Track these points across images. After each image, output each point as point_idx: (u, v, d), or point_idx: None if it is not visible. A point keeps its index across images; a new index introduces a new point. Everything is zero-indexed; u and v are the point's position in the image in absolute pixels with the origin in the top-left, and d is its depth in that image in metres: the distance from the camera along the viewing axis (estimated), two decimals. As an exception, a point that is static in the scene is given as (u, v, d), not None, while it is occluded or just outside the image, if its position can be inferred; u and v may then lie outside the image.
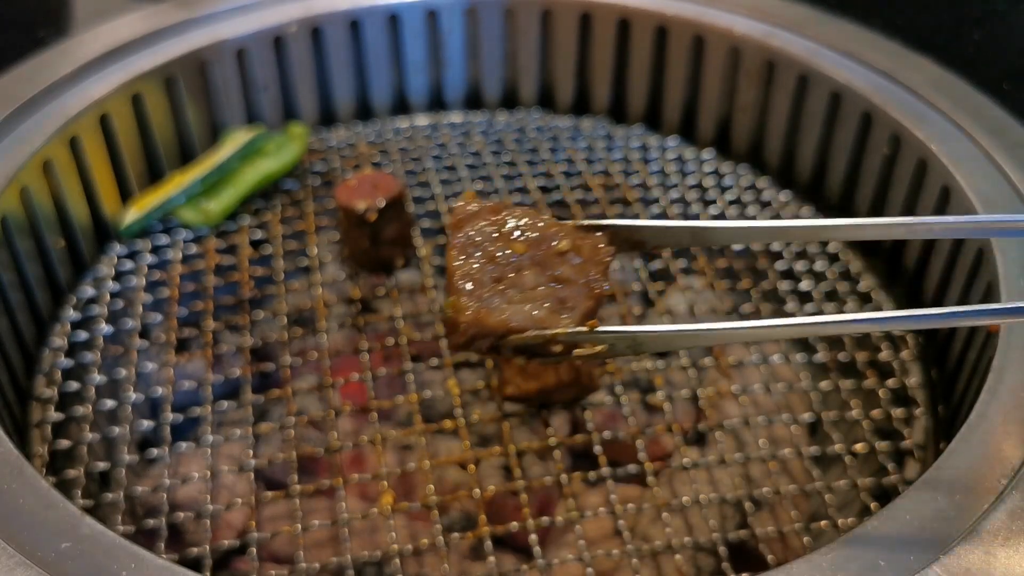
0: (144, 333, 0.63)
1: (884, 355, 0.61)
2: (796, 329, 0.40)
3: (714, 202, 0.73)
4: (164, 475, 0.54)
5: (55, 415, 0.57)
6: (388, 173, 0.68)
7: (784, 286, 0.65)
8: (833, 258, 0.69)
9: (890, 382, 0.59)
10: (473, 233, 0.40)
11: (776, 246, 0.69)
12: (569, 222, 0.41)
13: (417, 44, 0.82)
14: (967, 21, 0.92)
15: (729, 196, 0.74)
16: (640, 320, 0.66)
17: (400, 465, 0.55)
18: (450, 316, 0.39)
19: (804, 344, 0.63)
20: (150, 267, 0.67)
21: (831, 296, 0.66)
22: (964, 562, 0.40)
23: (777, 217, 0.73)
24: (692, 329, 0.40)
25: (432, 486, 0.52)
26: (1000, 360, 0.50)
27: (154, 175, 0.75)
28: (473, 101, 0.86)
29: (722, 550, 0.49)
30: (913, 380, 0.60)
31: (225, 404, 0.60)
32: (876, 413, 0.57)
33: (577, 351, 0.39)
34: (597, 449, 0.54)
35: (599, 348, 0.39)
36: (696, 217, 0.72)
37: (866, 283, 0.67)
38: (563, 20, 0.81)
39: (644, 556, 0.50)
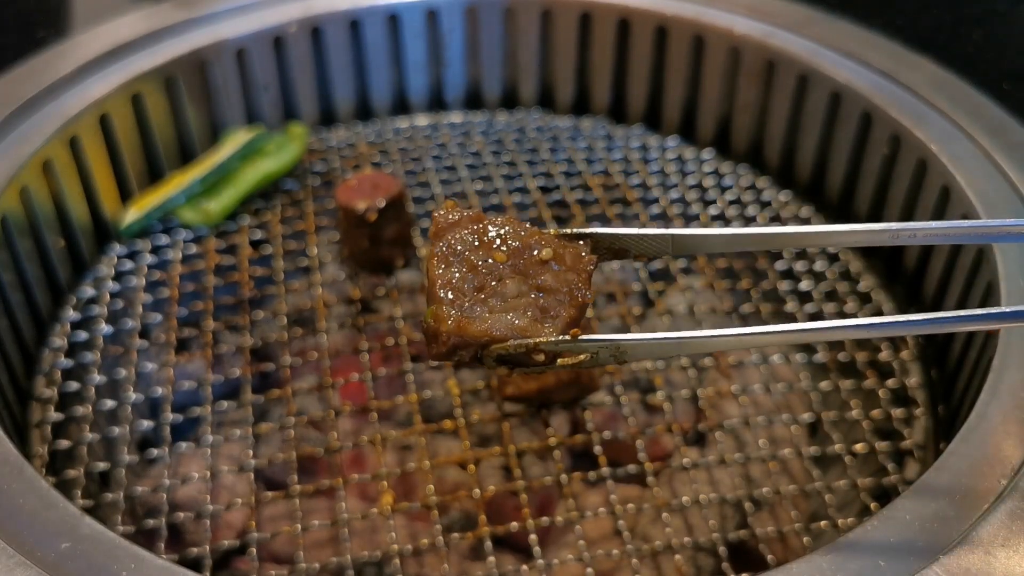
0: (144, 333, 0.63)
1: (884, 355, 0.61)
2: (787, 336, 0.40)
3: (714, 202, 0.73)
4: (164, 475, 0.54)
5: (55, 415, 0.57)
6: (388, 173, 0.68)
7: (784, 286, 0.66)
8: (833, 258, 0.69)
9: (890, 382, 0.59)
10: (454, 242, 0.40)
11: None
12: (551, 231, 0.41)
13: (417, 44, 0.82)
14: (967, 21, 0.92)
15: (729, 196, 0.74)
16: (640, 320, 0.66)
17: (400, 465, 0.55)
18: (431, 325, 0.39)
19: (804, 344, 0.63)
20: (150, 267, 0.67)
21: (831, 296, 0.66)
22: (964, 562, 0.40)
23: (777, 217, 0.73)
24: (676, 337, 0.39)
25: (432, 486, 0.52)
26: (1000, 360, 0.50)
27: (154, 175, 0.75)
28: (473, 101, 0.86)
29: (722, 550, 0.49)
30: (913, 380, 0.60)
31: (225, 404, 0.60)
32: (876, 413, 0.57)
33: (560, 360, 0.39)
34: (597, 449, 0.54)
35: (582, 357, 0.39)
36: (696, 218, 0.72)
37: (866, 283, 0.67)
38: (563, 20, 0.81)
39: (644, 556, 0.50)
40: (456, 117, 0.85)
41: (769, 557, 0.50)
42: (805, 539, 0.50)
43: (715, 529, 0.51)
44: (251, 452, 0.55)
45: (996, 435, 0.46)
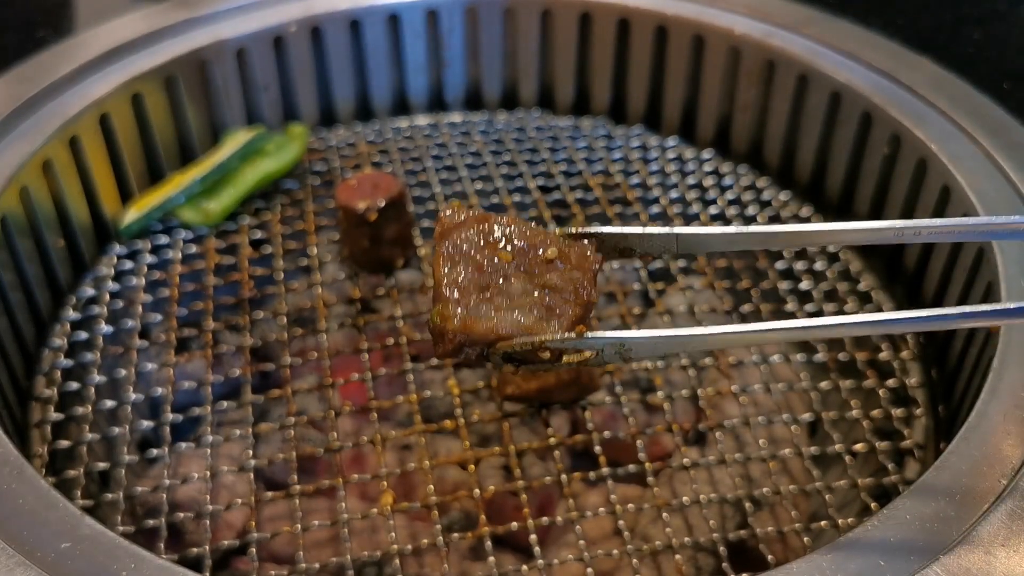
0: (144, 333, 0.63)
1: (884, 355, 0.61)
2: (789, 333, 0.40)
3: (714, 202, 0.73)
4: (164, 475, 0.54)
5: (55, 415, 0.57)
6: (388, 173, 0.68)
7: (784, 286, 0.65)
8: (833, 258, 0.69)
9: (890, 382, 0.59)
10: (460, 242, 0.40)
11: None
12: (556, 230, 0.41)
13: (417, 44, 0.82)
14: (967, 21, 0.92)
15: (729, 196, 0.74)
16: (640, 319, 0.66)
17: (400, 465, 0.55)
18: (437, 324, 0.39)
19: (804, 344, 0.63)
20: (150, 267, 0.67)
21: (831, 296, 0.66)
22: (964, 562, 0.40)
23: (777, 217, 0.73)
24: (682, 335, 0.39)
25: (432, 486, 0.52)
26: (1000, 360, 0.50)
27: (154, 175, 0.75)
28: (473, 101, 0.86)
29: (722, 550, 0.49)
30: (913, 380, 0.60)
31: (225, 404, 0.60)
32: (876, 413, 0.57)
33: (566, 358, 0.39)
34: (597, 449, 0.54)
35: (587, 355, 0.39)
36: (696, 217, 0.72)
37: (866, 283, 0.67)
38: (563, 20, 0.81)
39: (644, 556, 0.50)
40: (456, 117, 0.85)
41: (769, 557, 0.50)
42: (805, 539, 0.50)
43: (715, 529, 0.51)
44: (251, 452, 0.55)
45: (996, 435, 0.46)
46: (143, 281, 0.66)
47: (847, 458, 0.54)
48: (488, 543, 0.49)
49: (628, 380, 0.65)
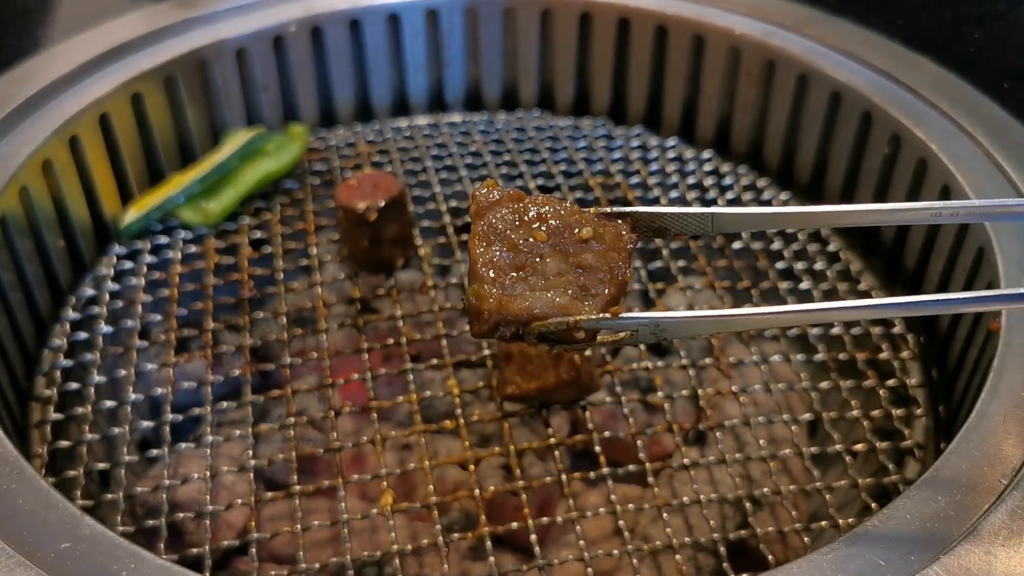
0: (144, 333, 0.63)
1: (884, 355, 0.61)
2: (818, 315, 0.40)
3: (714, 202, 0.73)
4: (164, 475, 0.54)
5: (55, 415, 0.57)
6: (388, 173, 0.68)
7: (784, 286, 0.65)
8: (833, 258, 0.69)
9: (890, 382, 0.59)
10: (495, 221, 0.40)
11: (776, 246, 0.69)
12: (591, 209, 0.41)
13: (417, 44, 0.82)
14: (967, 21, 0.92)
15: (729, 196, 0.74)
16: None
17: (400, 465, 0.55)
18: (473, 304, 0.39)
19: (804, 344, 0.63)
20: (150, 267, 0.67)
21: (830, 296, 0.66)
22: (964, 562, 0.40)
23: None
24: (716, 315, 0.39)
25: (432, 486, 0.52)
26: (1000, 360, 0.50)
27: (154, 175, 0.75)
28: (473, 101, 0.86)
29: (722, 550, 0.49)
30: (913, 380, 0.60)
31: (225, 404, 0.60)
32: (876, 413, 0.57)
33: (600, 337, 0.39)
34: (597, 449, 0.54)
35: (622, 335, 0.39)
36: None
37: (866, 283, 0.67)
38: (563, 20, 0.81)
39: (644, 556, 0.50)
40: (456, 117, 0.85)
41: (769, 557, 0.50)
42: (805, 539, 0.50)
43: (715, 529, 0.51)
44: (251, 452, 0.55)
45: (996, 435, 0.46)
46: (143, 281, 0.66)
47: (847, 458, 0.54)
48: (488, 543, 0.49)
49: (628, 380, 0.65)
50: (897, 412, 0.57)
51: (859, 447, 0.55)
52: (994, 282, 0.55)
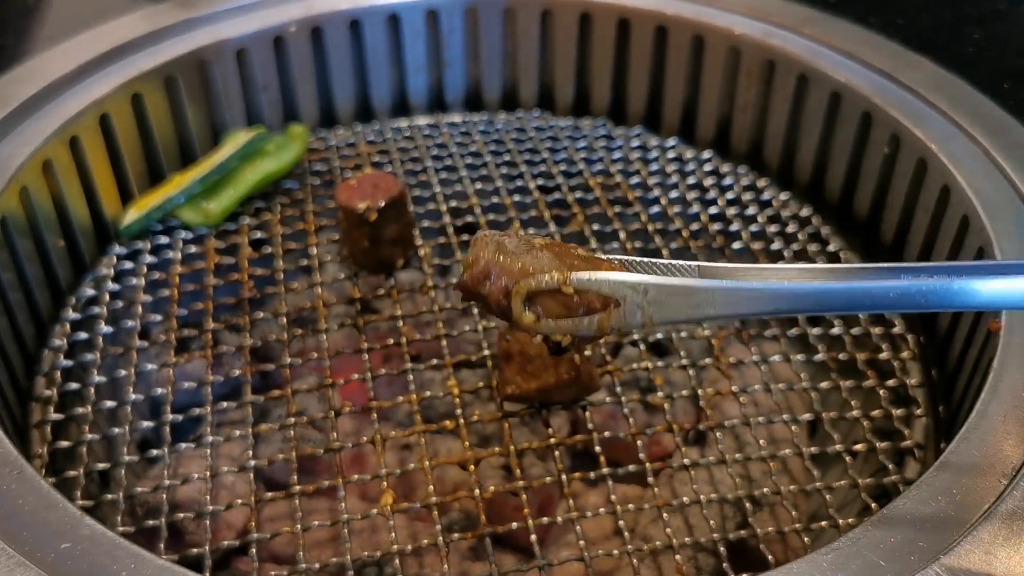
0: (144, 333, 0.63)
1: (884, 355, 0.61)
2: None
3: (714, 202, 0.73)
4: (164, 475, 0.54)
5: (55, 415, 0.57)
6: (388, 173, 0.68)
7: (784, 286, 0.65)
8: (833, 258, 0.69)
9: (890, 382, 0.59)
10: (498, 237, 0.43)
11: (776, 246, 0.69)
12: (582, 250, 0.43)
13: (417, 44, 0.82)
14: (967, 21, 0.92)
15: (729, 196, 0.74)
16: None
17: (400, 465, 0.55)
18: (464, 276, 0.41)
19: (804, 344, 0.63)
20: (150, 267, 0.67)
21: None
22: (964, 562, 0.40)
23: (777, 216, 0.73)
24: (705, 285, 0.39)
25: (432, 486, 0.52)
26: (1000, 360, 0.50)
27: (154, 175, 0.75)
28: (473, 101, 0.86)
29: (722, 550, 0.49)
30: (913, 380, 0.60)
31: (225, 404, 0.60)
32: (876, 413, 0.57)
33: (589, 322, 0.40)
34: (597, 449, 0.54)
35: (613, 313, 0.40)
36: (696, 217, 0.72)
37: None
38: (563, 20, 0.81)
39: (644, 556, 0.50)
40: (456, 117, 0.85)
41: (769, 557, 0.50)
42: (805, 539, 0.50)
43: (715, 529, 0.51)
44: (251, 452, 0.55)
45: (996, 435, 0.46)
46: (143, 281, 0.66)
47: (847, 458, 0.54)
48: (488, 543, 0.49)
49: (628, 380, 0.65)
50: (897, 412, 0.57)
51: (859, 447, 0.55)
52: (994, 282, 0.55)
